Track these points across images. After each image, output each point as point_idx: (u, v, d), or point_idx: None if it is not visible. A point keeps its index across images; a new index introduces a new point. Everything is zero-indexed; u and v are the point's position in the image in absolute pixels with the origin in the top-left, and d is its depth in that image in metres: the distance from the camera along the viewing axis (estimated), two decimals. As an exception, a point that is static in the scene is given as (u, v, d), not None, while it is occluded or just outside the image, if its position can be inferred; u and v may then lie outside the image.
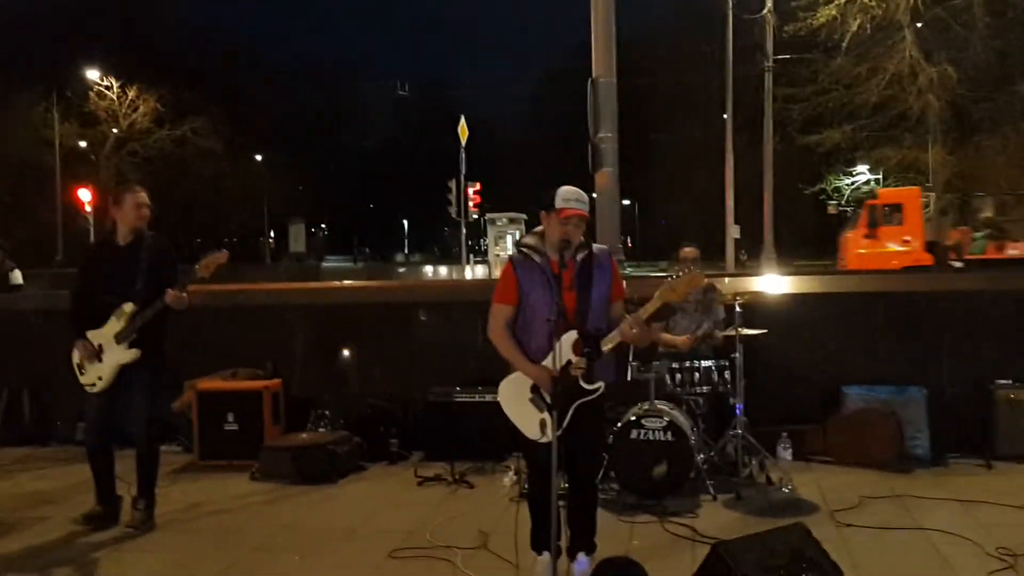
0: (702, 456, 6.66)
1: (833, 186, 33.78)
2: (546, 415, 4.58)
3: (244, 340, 8.55)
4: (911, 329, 7.70)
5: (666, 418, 6.43)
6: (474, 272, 34.74)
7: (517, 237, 36.86)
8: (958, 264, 22.73)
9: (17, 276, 10.79)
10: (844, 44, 28.66)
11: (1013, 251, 22.93)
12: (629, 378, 6.66)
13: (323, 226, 70.00)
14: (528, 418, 4.67)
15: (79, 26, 46.76)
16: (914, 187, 26.98)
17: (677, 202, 50.15)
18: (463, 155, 27.77)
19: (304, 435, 7.43)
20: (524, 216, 36.28)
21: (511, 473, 6.88)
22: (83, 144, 48.03)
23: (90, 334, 5.91)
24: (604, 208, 12.07)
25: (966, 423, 7.37)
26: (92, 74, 46.31)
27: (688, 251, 7.42)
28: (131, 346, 5.85)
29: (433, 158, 28.88)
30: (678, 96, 42.13)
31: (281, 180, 59.14)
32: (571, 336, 4.58)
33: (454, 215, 27.89)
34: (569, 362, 4.56)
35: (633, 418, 6.49)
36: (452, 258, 32.98)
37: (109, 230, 6.08)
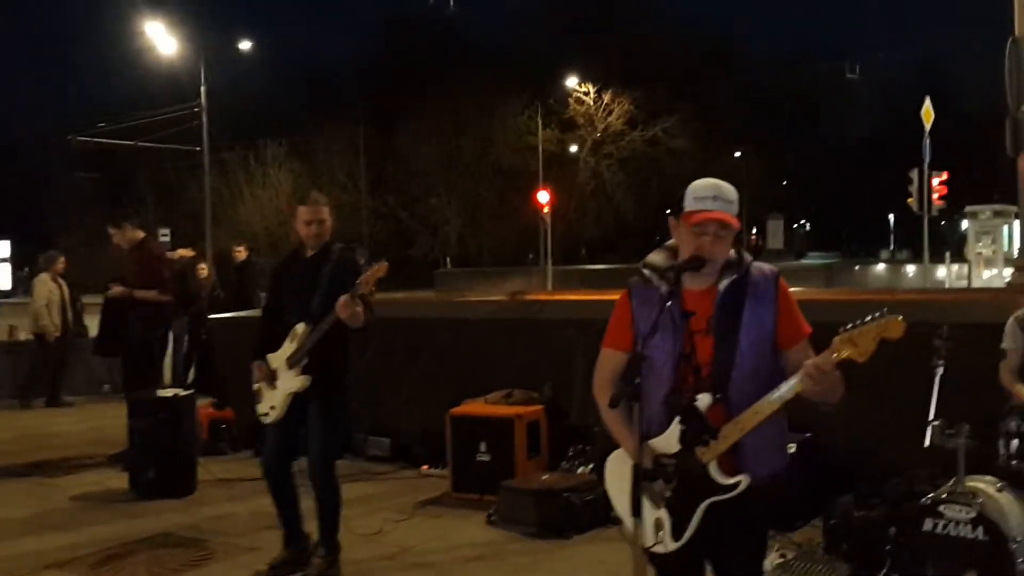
0: (1040, 566, 4.55)
1: None
2: (663, 513, 3.18)
3: (530, 358, 7.70)
4: None
5: (976, 507, 4.45)
6: (950, 273, 30.50)
7: (1007, 234, 31.79)
8: None
9: None
10: None
11: None
12: (928, 443, 4.73)
13: (803, 221, 67.31)
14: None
15: (560, 35, 49.31)
16: None
17: None
18: (927, 141, 24.51)
19: (547, 476, 6.38)
20: (1014, 208, 31.26)
21: (774, 553, 5.28)
22: (573, 148, 50.73)
23: (270, 357, 5.35)
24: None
25: None
26: (571, 81, 48.64)
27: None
28: (303, 372, 5.21)
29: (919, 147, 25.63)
30: None
31: (760, 176, 57.69)
32: (703, 401, 3.12)
33: (915, 209, 24.69)
34: (694, 439, 3.11)
35: (929, 502, 4.60)
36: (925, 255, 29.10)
37: (299, 242, 5.53)
